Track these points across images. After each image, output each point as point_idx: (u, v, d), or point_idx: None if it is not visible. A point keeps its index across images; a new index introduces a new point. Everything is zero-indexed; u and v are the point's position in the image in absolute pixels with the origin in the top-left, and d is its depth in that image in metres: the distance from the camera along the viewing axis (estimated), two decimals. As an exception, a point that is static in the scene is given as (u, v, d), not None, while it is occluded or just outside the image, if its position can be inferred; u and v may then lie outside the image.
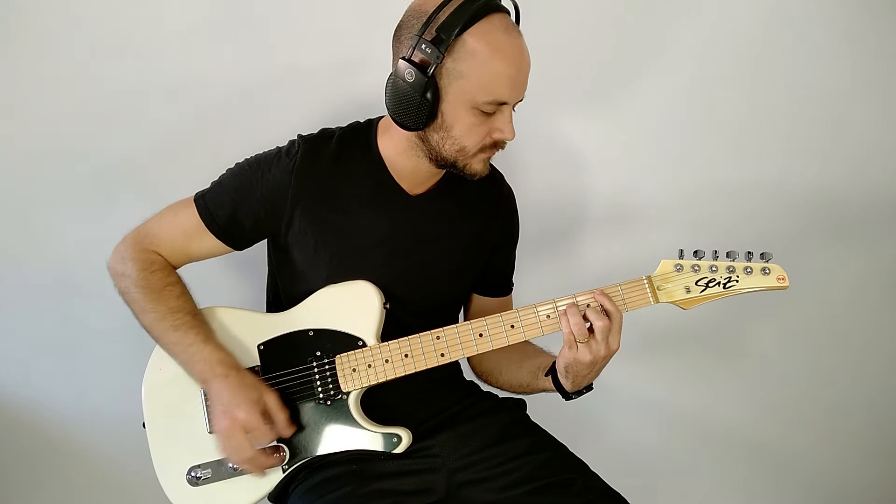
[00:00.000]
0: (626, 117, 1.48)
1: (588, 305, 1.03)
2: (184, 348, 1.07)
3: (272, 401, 1.07)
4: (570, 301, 1.05)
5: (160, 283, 1.11)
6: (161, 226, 1.14)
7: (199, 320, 1.11)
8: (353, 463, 1.10)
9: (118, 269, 1.12)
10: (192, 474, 1.11)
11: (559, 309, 1.05)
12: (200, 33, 1.35)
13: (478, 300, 1.28)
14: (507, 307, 1.29)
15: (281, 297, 1.19)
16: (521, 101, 1.03)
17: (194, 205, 1.12)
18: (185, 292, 1.13)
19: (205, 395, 1.11)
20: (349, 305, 1.12)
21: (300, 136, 1.13)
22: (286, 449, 1.10)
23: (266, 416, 1.05)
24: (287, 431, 1.08)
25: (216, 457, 1.11)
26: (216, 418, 1.07)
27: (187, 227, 1.12)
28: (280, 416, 1.07)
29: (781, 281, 1.02)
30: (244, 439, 1.04)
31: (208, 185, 1.14)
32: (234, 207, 1.11)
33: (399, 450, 1.09)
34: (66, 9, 1.32)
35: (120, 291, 1.13)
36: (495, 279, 1.28)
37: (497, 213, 1.24)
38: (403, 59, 0.97)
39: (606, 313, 1.02)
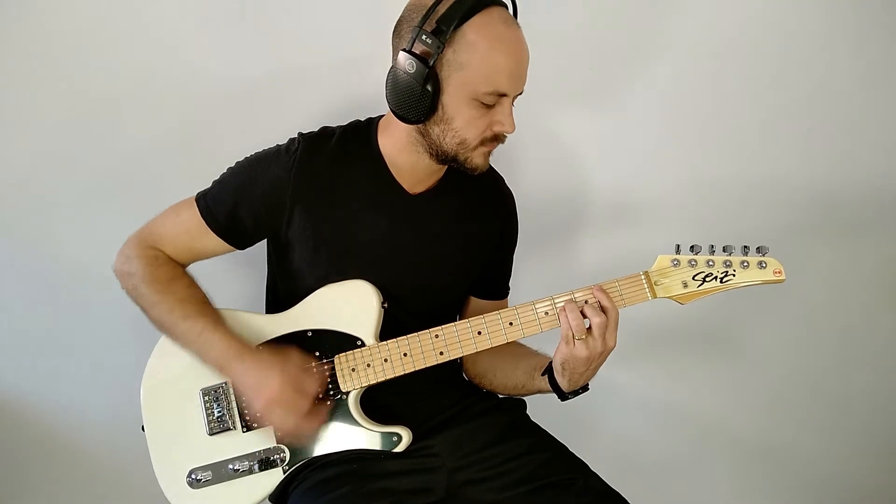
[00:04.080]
0: (624, 113, 1.48)
1: (586, 302, 1.04)
2: (195, 337, 1.08)
3: (294, 362, 1.07)
4: (568, 297, 1.05)
5: (166, 275, 1.11)
6: (164, 226, 1.14)
7: (208, 308, 1.11)
8: (354, 462, 1.10)
9: (124, 269, 1.12)
10: (192, 476, 1.11)
11: (557, 306, 1.05)
12: (202, 32, 1.36)
13: (475, 303, 1.28)
14: None
15: (280, 296, 1.19)
16: (520, 94, 1.04)
17: (196, 205, 1.13)
18: (192, 283, 1.14)
19: (203, 395, 1.12)
20: (347, 305, 1.12)
21: (300, 134, 1.14)
22: (331, 393, 1.10)
23: (296, 379, 1.06)
24: (321, 387, 1.09)
25: (216, 459, 1.11)
26: (249, 403, 1.08)
27: (189, 227, 1.13)
28: (308, 377, 1.07)
29: (778, 274, 1.02)
30: (283, 411, 1.05)
31: (209, 185, 1.15)
32: (234, 206, 1.11)
33: (399, 449, 1.10)
34: (66, 9, 1.32)
35: (128, 291, 1.13)
36: (492, 281, 1.28)
37: (496, 212, 1.24)
38: (404, 50, 0.98)
39: (603, 310, 1.03)
